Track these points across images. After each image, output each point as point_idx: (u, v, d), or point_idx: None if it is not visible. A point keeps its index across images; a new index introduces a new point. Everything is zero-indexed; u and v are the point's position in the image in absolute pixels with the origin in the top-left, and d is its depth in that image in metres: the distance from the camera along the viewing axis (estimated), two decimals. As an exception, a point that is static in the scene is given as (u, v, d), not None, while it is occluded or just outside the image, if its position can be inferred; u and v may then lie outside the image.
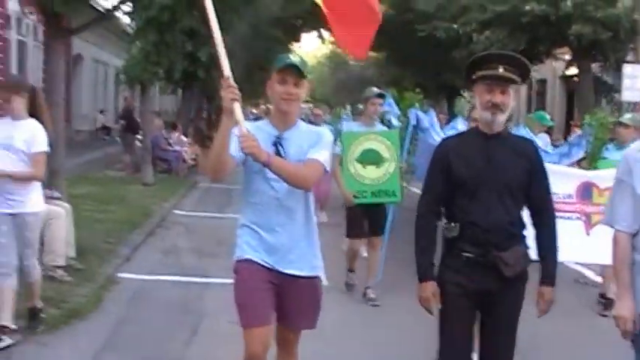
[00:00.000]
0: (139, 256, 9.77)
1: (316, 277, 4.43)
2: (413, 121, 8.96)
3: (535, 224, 4.44)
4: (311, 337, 4.48)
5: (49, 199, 7.86)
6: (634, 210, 4.09)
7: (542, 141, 11.21)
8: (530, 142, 4.70)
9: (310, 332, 4.44)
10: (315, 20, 30.97)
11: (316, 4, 5.14)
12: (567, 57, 27.66)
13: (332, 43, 50.42)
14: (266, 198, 4.28)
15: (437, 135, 8.78)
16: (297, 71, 4.24)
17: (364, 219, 8.01)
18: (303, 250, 4.35)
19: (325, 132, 4.50)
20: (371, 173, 7.99)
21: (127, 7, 14.44)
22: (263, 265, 4.29)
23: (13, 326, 5.97)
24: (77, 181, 13.68)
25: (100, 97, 36.53)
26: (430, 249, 4.35)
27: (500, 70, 4.23)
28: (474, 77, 4.33)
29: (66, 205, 8.18)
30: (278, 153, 4.24)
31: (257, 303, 4.26)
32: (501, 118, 4.28)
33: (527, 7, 22.16)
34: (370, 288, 8.05)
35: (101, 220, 11.01)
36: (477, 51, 24.46)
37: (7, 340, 5.85)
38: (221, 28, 4.21)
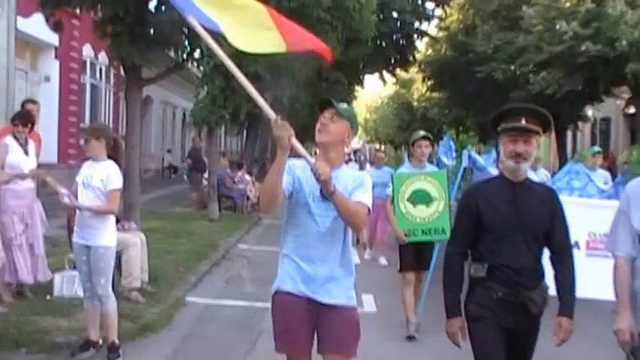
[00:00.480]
0: (205, 283, 10.79)
1: (353, 308, 4.72)
2: (465, 163, 9.52)
3: (554, 264, 4.78)
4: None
5: (126, 229, 8.97)
6: (632, 238, 4.57)
7: (601, 178, 11.55)
8: (551, 190, 5.09)
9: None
10: (376, 62, 31.99)
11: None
12: (627, 95, 27.98)
13: (394, 83, 51.62)
14: (309, 231, 4.57)
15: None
16: (333, 107, 4.61)
17: (414, 254, 8.46)
18: (340, 282, 4.63)
19: (366, 176, 4.80)
20: (421, 212, 8.38)
21: (196, 55, 15.59)
22: (301, 296, 4.58)
23: (100, 341, 6.99)
24: (147, 216, 14.66)
25: (167, 137, 38.10)
26: (457, 288, 4.71)
27: (523, 122, 4.59)
28: (498, 129, 4.72)
29: (141, 235, 9.25)
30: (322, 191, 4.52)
31: (295, 332, 4.57)
32: (525, 166, 4.67)
33: (583, 47, 22.76)
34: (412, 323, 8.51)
35: (171, 251, 12.04)
36: (534, 91, 25.20)
37: (92, 351, 6.91)
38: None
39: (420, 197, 8.43)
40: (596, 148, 13.32)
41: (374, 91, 74.47)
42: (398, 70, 33.48)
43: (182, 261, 11.42)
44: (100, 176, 6.81)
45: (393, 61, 31.64)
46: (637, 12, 22.25)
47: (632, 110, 29.06)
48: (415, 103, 54.52)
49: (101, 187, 6.77)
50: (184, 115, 38.26)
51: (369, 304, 9.81)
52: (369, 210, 4.59)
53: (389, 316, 8.93)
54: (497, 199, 4.68)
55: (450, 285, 4.71)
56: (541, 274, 4.69)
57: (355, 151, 63.56)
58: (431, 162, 9.94)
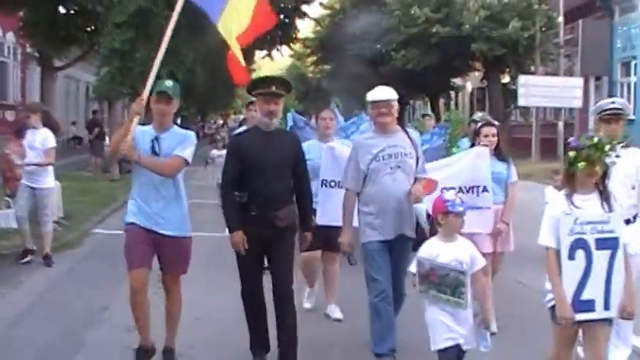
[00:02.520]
0: (107, 221, 14.01)
1: (185, 237, 5.90)
2: (290, 123, 10.39)
3: (297, 191, 5.98)
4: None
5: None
6: (357, 177, 6.12)
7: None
8: (294, 135, 6.50)
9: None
10: (266, 41, 35.21)
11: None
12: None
13: (291, 56, 54.54)
14: (146, 179, 5.74)
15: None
16: (166, 95, 5.75)
17: None
18: (173, 217, 5.80)
19: (191, 134, 5.98)
20: None
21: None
22: (143, 227, 5.73)
23: (34, 248, 9.89)
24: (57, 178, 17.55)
25: (71, 110, 39.80)
26: (234, 210, 5.72)
27: (274, 88, 5.78)
28: (254, 94, 5.96)
29: (57, 182, 12.35)
30: (153, 148, 5.70)
31: (137, 253, 5.68)
32: (275, 120, 5.94)
33: (434, 30, 26.87)
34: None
35: (80, 201, 15.12)
36: (397, 67, 29.04)
37: (30, 257, 9.83)
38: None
39: None
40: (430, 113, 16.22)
41: (273, 64, 76.65)
42: (284, 47, 36.80)
43: (89, 208, 14.63)
44: (39, 139, 9.63)
45: (279, 39, 35.03)
46: (478, 1, 26.39)
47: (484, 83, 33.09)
48: (310, 75, 57.44)
49: (41, 147, 9.61)
50: (88, 88, 39.78)
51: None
52: (186, 161, 5.81)
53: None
54: (255, 144, 5.84)
55: (229, 208, 5.81)
56: (287, 199, 5.90)
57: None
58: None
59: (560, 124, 27.90)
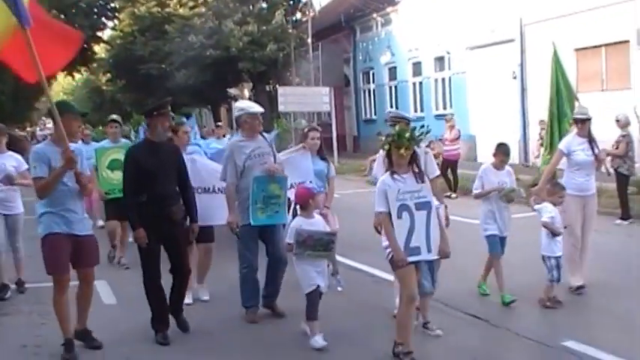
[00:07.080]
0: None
1: (93, 235, 6.35)
2: (142, 135, 9.69)
3: (181, 191, 6.57)
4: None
5: None
6: (235, 172, 6.80)
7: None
8: (176, 145, 7.00)
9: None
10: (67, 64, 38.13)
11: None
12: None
13: (85, 71, 56.32)
14: (62, 191, 6.01)
15: None
16: (82, 115, 6.43)
17: (116, 207, 9.47)
18: (85, 221, 6.27)
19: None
20: (117, 176, 8.83)
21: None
22: (64, 233, 6.01)
23: (10, 284, 8.62)
24: None
25: None
26: (136, 211, 6.33)
27: (168, 108, 6.60)
28: (155, 114, 6.45)
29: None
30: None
31: (63, 260, 6.04)
32: (168, 133, 6.79)
33: (208, 53, 31.42)
34: (123, 257, 10.04)
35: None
36: (180, 82, 33.38)
37: (9, 293, 8.55)
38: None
39: (117, 164, 9.38)
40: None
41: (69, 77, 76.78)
42: (82, 68, 40.11)
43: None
44: (10, 163, 8.42)
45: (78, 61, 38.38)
46: (242, 30, 31.28)
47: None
48: (105, 87, 58.74)
49: (14, 170, 8.36)
50: None
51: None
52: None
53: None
54: (148, 153, 6.41)
55: (132, 210, 6.42)
56: (177, 197, 6.53)
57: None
58: (126, 137, 11.88)
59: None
